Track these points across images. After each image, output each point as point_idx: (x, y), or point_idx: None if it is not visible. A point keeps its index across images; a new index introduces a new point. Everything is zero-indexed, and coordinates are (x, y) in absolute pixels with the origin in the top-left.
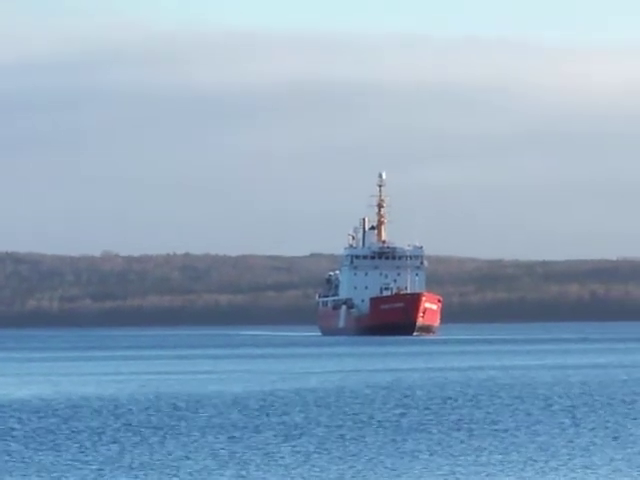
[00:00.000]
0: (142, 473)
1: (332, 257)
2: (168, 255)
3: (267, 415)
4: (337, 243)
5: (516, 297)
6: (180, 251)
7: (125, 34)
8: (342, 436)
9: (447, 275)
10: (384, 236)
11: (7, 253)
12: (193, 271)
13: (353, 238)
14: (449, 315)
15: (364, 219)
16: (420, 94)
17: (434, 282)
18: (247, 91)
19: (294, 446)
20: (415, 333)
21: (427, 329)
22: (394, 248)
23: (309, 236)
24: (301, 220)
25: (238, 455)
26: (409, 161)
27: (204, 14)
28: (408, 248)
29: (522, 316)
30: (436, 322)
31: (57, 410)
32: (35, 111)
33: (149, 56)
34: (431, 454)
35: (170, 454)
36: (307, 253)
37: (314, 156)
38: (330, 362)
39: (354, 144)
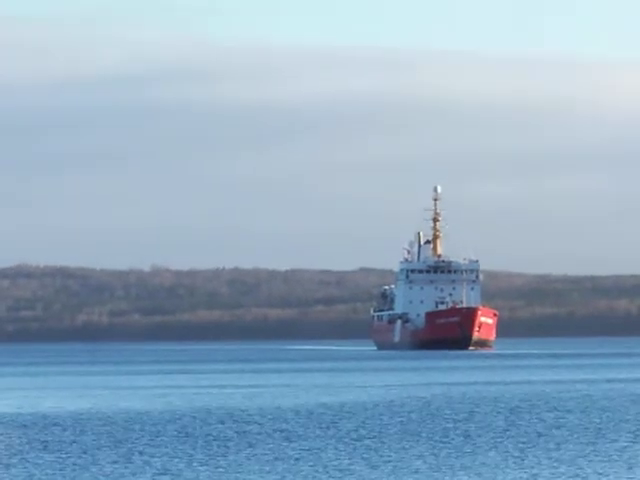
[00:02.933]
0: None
1: (381, 272)
2: (217, 269)
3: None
4: (387, 257)
5: (565, 312)
6: (229, 265)
7: (188, 50)
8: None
9: (496, 290)
10: (439, 250)
11: (57, 268)
12: (242, 285)
13: (408, 252)
14: (499, 329)
15: (419, 233)
16: (476, 110)
17: (485, 296)
18: (307, 104)
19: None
20: (471, 347)
21: (483, 343)
22: (450, 262)
23: (358, 251)
24: (351, 234)
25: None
26: (463, 176)
27: (268, 30)
28: (464, 262)
29: (570, 331)
30: (492, 336)
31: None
32: (83, 127)
33: (213, 72)
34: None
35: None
36: (356, 267)
37: (366, 170)
38: (409, 375)
39: (409, 159)
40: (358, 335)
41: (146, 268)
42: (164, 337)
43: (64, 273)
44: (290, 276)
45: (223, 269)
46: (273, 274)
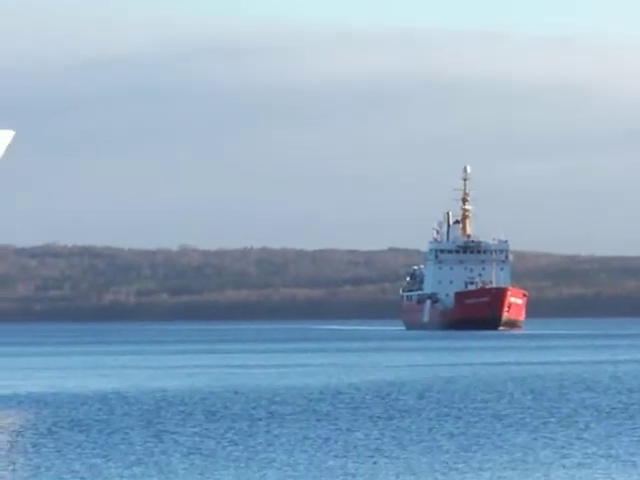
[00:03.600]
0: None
1: (409, 252)
2: (245, 249)
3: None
4: (415, 237)
5: (592, 292)
6: (257, 245)
7: (218, 29)
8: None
9: (524, 270)
10: (469, 230)
11: (84, 247)
12: (270, 265)
13: (437, 232)
14: (528, 310)
15: (448, 213)
16: (506, 90)
17: (513, 277)
18: (338, 85)
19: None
20: (500, 327)
21: (512, 324)
22: (479, 242)
23: (387, 231)
24: (379, 215)
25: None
26: (493, 156)
27: (296, 10)
28: (493, 242)
29: (598, 311)
30: (521, 316)
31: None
32: (114, 106)
33: (241, 51)
34: None
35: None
36: (385, 247)
37: (394, 151)
38: (439, 354)
39: (438, 139)
40: (386, 315)
41: (174, 248)
42: (191, 317)
43: (92, 253)
44: (318, 256)
45: (251, 249)
46: (301, 254)
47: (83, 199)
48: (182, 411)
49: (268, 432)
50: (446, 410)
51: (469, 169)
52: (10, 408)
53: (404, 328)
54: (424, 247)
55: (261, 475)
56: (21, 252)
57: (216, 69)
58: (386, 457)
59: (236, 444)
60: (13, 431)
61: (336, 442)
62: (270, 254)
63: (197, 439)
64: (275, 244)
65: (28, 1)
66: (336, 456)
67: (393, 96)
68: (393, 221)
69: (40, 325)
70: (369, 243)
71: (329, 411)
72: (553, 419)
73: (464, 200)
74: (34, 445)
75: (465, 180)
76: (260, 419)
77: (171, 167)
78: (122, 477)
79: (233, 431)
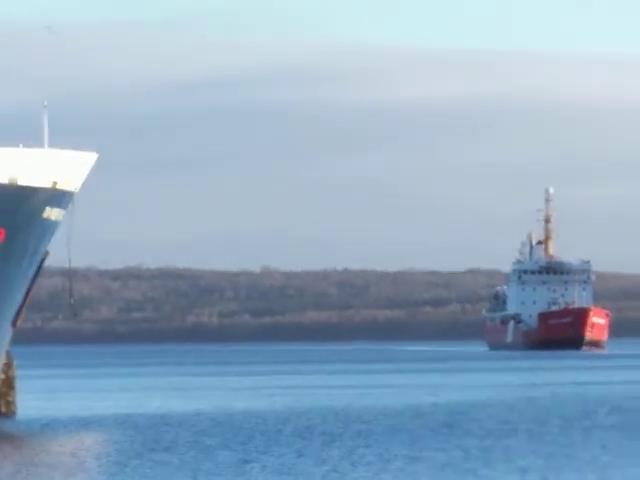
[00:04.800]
0: None
1: (489, 272)
2: (326, 271)
3: None
4: (494, 258)
5: None
6: (339, 267)
7: (287, 52)
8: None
9: (605, 290)
10: (551, 251)
11: (167, 269)
12: (351, 287)
13: (520, 253)
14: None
15: (531, 234)
16: (587, 112)
17: (595, 297)
18: (415, 105)
19: None
20: (583, 348)
21: (595, 344)
22: (561, 262)
23: (467, 252)
24: (459, 236)
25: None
26: (575, 178)
27: (363, 33)
28: (575, 262)
29: None
30: (604, 337)
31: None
32: (197, 129)
33: (320, 74)
34: None
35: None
36: (464, 269)
37: (476, 173)
38: (527, 374)
39: (519, 161)
40: (467, 336)
41: (256, 269)
42: (273, 338)
43: (174, 274)
44: (399, 277)
45: (332, 270)
46: (382, 275)
47: (166, 221)
48: (267, 431)
49: (353, 451)
50: (539, 429)
51: (552, 190)
52: (96, 430)
53: (487, 349)
54: (504, 268)
55: None
56: (104, 274)
57: (282, 92)
58: (477, 477)
59: (323, 463)
60: (99, 452)
61: (421, 462)
62: (351, 276)
63: (285, 459)
64: (356, 265)
65: (102, 26)
66: (421, 476)
67: (476, 118)
68: (473, 242)
69: (123, 347)
70: (449, 264)
71: (416, 432)
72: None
73: (547, 221)
74: (123, 466)
75: (547, 201)
76: (346, 438)
77: (253, 189)
78: None
79: (319, 450)
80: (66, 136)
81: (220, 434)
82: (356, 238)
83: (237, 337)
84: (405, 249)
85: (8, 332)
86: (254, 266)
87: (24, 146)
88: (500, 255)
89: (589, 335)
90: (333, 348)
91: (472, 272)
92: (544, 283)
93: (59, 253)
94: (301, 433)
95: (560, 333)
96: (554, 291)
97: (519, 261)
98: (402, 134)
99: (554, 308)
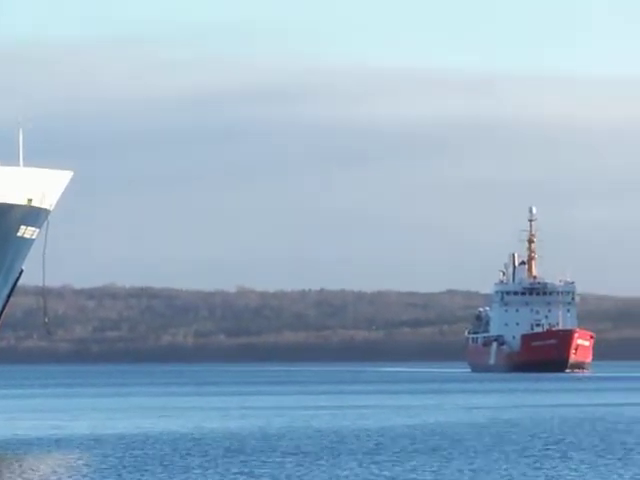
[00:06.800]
0: None
1: (468, 293)
2: (303, 291)
3: None
4: (473, 280)
5: None
6: (315, 287)
7: (283, 71)
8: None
9: (587, 312)
10: (535, 272)
11: (142, 288)
12: (328, 307)
13: (503, 274)
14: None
15: (514, 255)
16: (571, 132)
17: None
18: (400, 125)
19: None
20: (567, 370)
21: (579, 366)
22: (545, 284)
23: (445, 273)
24: (436, 256)
25: None
26: (559, 198)
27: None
28: (559, 284)
29: None
30: (588, 359)
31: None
32: (165, 148)
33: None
34: None
35: None
36: (443, 289)
37: (455, 193)
38: (515, 396)
39: (500, 181)
40: (445, 357)
41: (232, 289)
42: (249, 358)
43: (149, 294)
44: (376, 298)
45: (309, 291)
46: (359, 295)
47: (141, 241)
48: (232, 449)
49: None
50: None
51: (534, 210)
52: (69, 450)
53: (469, 370)
54: (483, 289)
55: None
56: (79, 293)
57: (272, 110)
58: None
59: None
60: (73, 472)
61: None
62: (328, 296)
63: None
64: (333, 286)
65: (102, 43)
66: None
67: (457, 137)
68: (451, 263)
69: (97, 366)
70: (427, 285)
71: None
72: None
73: (530, 241)
74: None
75: (531, 221)
76: (319, 456)
77: (228, 209)
78: None
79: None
80: (42, 153)
81: (194, 453)
82: (334, 258)
83: (212, 357)
84: (382, 269)
85: None
86: (229, 286)
87: None
88: (478, 276)
89: (573, 357)
90: (310, 369)
91: (450, 293)
92: (527, 304)
93: (34, 271)
94: (269, 452)
95: (544, 355)
96: (537, 312)
97: (502, 282)
98: (380, 153)
99: (538, 330)
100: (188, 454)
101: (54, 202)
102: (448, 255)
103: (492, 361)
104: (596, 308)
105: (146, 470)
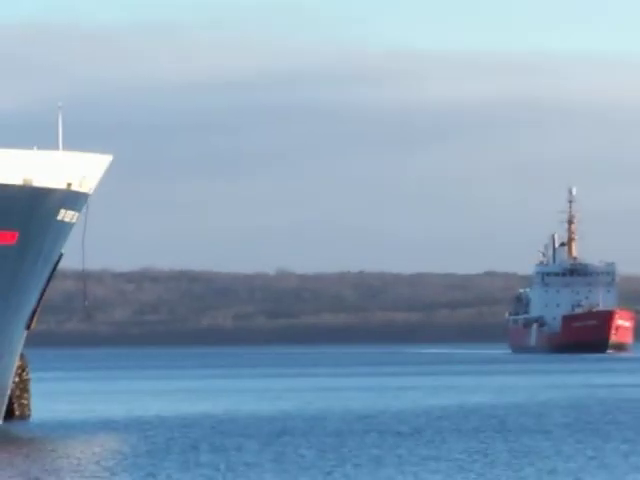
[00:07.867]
0: None
1: (506, 275)
2: (342, 273)
3: None
4: (511, 261)
5: None
6: (354, 269)
7: (334, 55)
8: None
9: (630, 292)
10: (575, 253)
11: (182, 271)
12: (367, 289)
13: (543, 255)
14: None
15: (554, 236)
16: (614, 115)
17: (620, 299)
18: (448, 108)
19: None
20: (608, 351)
21: (620, 347)
22: (585, 264)
23: (484, 254)
24: (476, 238)
25: None
26: (598, 178)
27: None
28: (599, 264)
29: None
30: (629, 339)
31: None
32: (218, 130)
33: (357, 75)
34: None
35: None
36: (481, 271)
37: (498, 174)
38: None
39: (541, 161)
40: (485, 339)
41: (271, 271)
42: (288, 340)
43: (189, 276)
44: (415, 280)
45: (348, 272)
46: (398, 278)
47: (180, 223)
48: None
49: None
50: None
51: (574, 191)
52: (110, 432)
53: (510, 351)
54: (522, 270)
55: None
56: (118, 276)
57: (329, 93)
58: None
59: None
60: (116, 454)
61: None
62: (367, 278)
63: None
64: (373, 268)
65: (129, 28)
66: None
67: (501, 119)
68: (490, 244)
69: (137, 349)
70: (466, 267)
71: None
72: None
73: (570, 222)
74: (137, 467)
75: (571, 202)
76: (357, 438)
77: (267, 190)
78: None
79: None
80: (82, 137)
81: (235, 434)
82: (372, 240)
83: (252, 339)
84: (422, 251)
85: (22, 335)
86: (269, 268)
87: (39, 148)
88: (517, 258)
89: (614, 338)
90: (349, 351)
91: (489, 274)
92: (568, 285)
93: (73, 255)
94: (306, 433)
95: (584, 336)
96: (578, 293)
97: (542, 263)
98: (422, 136)
99: (578, 311)
100: (241, 434)
101: (93, 186)
102: (487, 236)
103: (533, 342)
104: (637, 288)
105: (197, 450)
